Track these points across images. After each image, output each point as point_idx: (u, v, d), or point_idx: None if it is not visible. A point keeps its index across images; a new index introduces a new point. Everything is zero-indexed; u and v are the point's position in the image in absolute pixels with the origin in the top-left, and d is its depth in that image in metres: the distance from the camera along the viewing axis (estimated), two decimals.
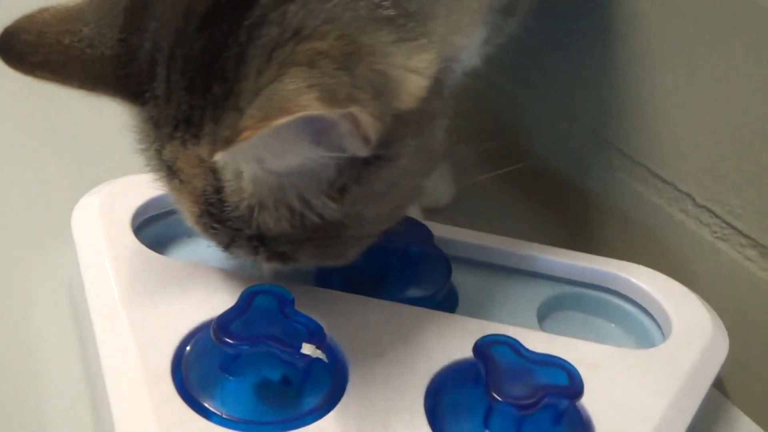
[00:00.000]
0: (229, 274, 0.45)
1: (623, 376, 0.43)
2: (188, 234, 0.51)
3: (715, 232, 0.51)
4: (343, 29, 0.33)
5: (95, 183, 0.50)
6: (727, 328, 0.48)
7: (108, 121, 0.67)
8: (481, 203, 0.66)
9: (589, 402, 0.40)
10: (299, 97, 0.29)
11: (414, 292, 0.47)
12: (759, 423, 0.48)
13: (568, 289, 0.51)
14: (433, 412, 0.39)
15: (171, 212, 0.50)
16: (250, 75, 0.33)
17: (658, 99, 0.53)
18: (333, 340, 0.41)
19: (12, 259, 0.51)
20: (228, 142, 0.31)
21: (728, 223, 0.50)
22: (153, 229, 0.50)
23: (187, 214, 0.40)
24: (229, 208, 0.37)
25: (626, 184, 0.57)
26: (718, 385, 0.50)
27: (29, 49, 0.36)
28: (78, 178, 0.53)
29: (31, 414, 0.41)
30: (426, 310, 0.45)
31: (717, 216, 0.51)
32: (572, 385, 0.38)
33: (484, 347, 0.39)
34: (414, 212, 0.52)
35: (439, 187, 0.60)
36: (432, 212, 0.56)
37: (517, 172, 0.66)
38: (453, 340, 0.42)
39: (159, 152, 0.38)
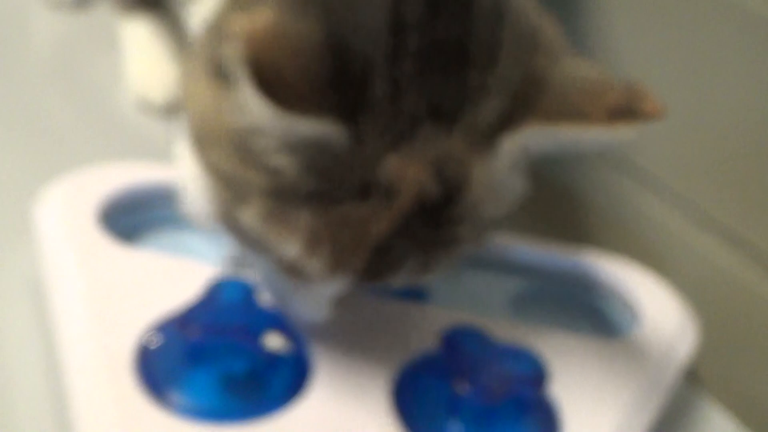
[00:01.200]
0: (195, 266, 0.44)
1: (593, 365, 0.43)
2: (159, 225, 0.51)
3: (692, 226, 0.51)
4: None
5: (58, 172, 0.49)
6: (704, 322, 0.48)
7: (73, 104, 0.66)
8: None
9: (556, 391, 0.40)
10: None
11: None
12: (736, 413, 0.48)
13: (538, 278, 0.51)
14: (400, 404, 0.39)
15: (141, 203, 0.50)
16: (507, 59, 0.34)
17: None
18: (298, 331, 0.41)
19: None
20: (625, 118, 0.33)
21: (706, 216, 0.50)
22: (123, 220, 0.49)
23: (354, 243, 0.34)
24: (452, 211, 0.34)
25: (602, 175, 0.57)
26: (695, 377, 0.50)
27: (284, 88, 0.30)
28: (39, 168, 0.52)
29: None
30: (394, 300, 0.44)
31: (694, 209, 0.51)
32: (537, 374, 0.38)
33: (450, 337, 0.39)
34: None
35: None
36: None
37: None
38: (421, 331, 0.42)
39: (363, 169, 0.33)
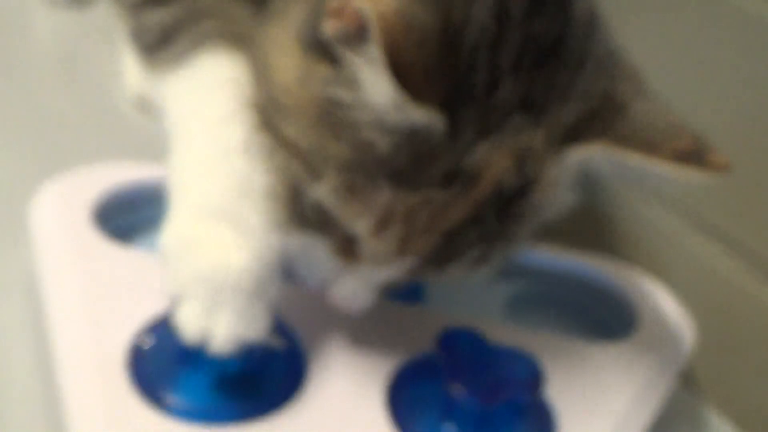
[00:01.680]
0: None
1: (589, 369, 0.43)
2: (149, 224, 0.51)
3: (690, 231, 0.51)
4: None
5: (53, 172, 0.49)
6: (701, 327, 0.48)
7: (67, 105, 0.66)
8: None
9: (553, 395, 0.40)
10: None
11: None
12: (731, 418, 0.48)
13: (535, 281, 0.51)
14: (394, 406, 0.39)
15: (135, 202, 0.50)
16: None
17: None
18: (293, 332, 0.40)
19: None
20: (691, 162, 0.35)
21: (699, 218, 0.50)
22: (118, 219, 0.49)
23: (428, 227, 0.34)
24: (523, 204, 0.35)
25: (603, 183, 0.56)
26: (691, 382, 0.50)
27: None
28: (35, 167, 0.51)
29: None
30: (389, 302, 0.44)
31: (692, 214, 0.51)
32: (532, 378, 0.37)
33: (446, 340, 0.39)
34: None
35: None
36: None
37: None
38: (416, 333, 0.42)
39: (454, 156, 0.33)
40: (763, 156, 0.46)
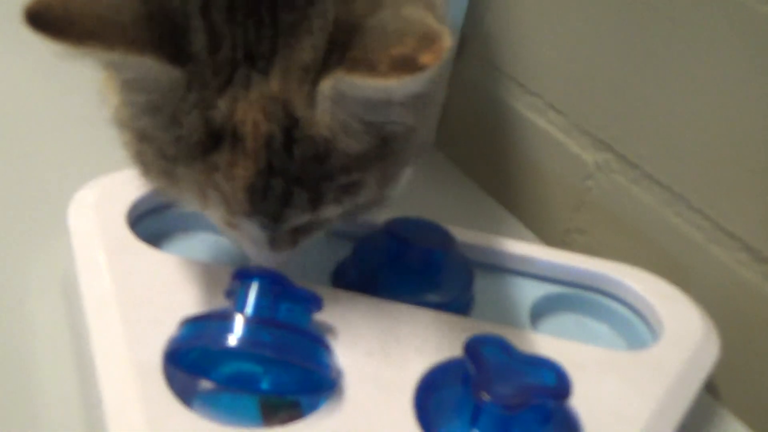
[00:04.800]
0: (220, 269, 0.45)
1: (612, 378, 0.43)
2: (182, 229, 0.52)
3: (709, 236, 0.51)
4: None
5: (91, 177, 0.51)
6: (720, 332, 0.48)
7: (104, 116, 0.68)
8: (474, 206, 0.66)
9: (577, 403, 0.40)
10: (440, 26, 0.32)
11: (433, 298, 0.47)
12: (752, 427, 0.48)
13: (560, 289, 0.51)
14: (421, 410, 0.39)
15: (166, 207, 0.51)
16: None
17: (655, 102, 0.53)
18: (325, 335, 0.41)
19: (7, 252, 0.51)
20: (406, 69, 0.32)
21: (722, 227, 0.50)
22: (148, 223, 0.50)
23: (231, 188, 0.37)
24: (301, 147, 0.36)
25: (622, 186, 0.57)
26: (711, 388, 0.50)
27: (66, 23, 0.33)
28: (74, 173, 0.53)
29: (23, 407, 0.42)
30: (417, 307, 0.45)
31: (711, 219, 0.51)
32: (560, 385, 0.38)
33: (473, 346, 0.39)
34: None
35: None
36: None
37: (512, 171, 0.66)
38: (443, 339, 0.42)
39: (202, 116, 0.35)
40: None
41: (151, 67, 0.34)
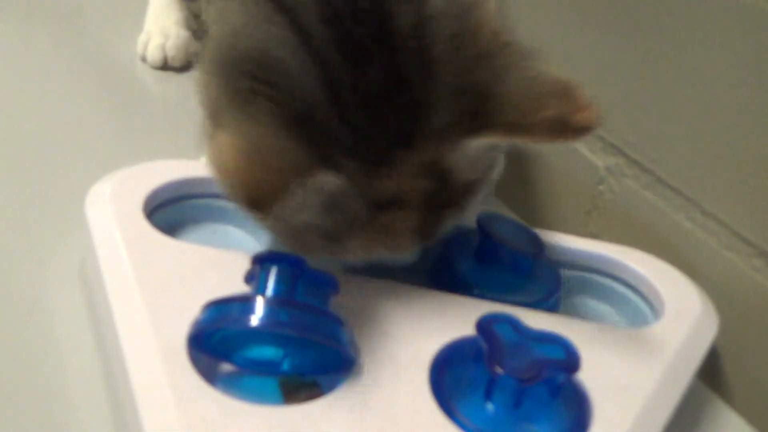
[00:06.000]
0: (236, 256, 0.46)
1: (617, 353, 0.45)
2: (196, 220, 0.53)
3: (722, 241, 0.51)
4: None
5: (108, 170, 0.52)
6: (732, 335, 0.49)
7: (121, 111, 0.69)
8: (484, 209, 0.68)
9: (584, 377, 0.42)
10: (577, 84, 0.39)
11: (523, 299, 0.49)
12: (754, 420, 0.49)
13: (566, 271, 0.53)
14: (436, 387, 0.41)
15: (180, 198, 0.52)
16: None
17: (667, 106, 0.53)
18: (342, 314, 0.42)
19: (27, 244, 0.52)
20: (560, 133, 0.37)
21: (735, 232, 0.50)
22: (163, 214, 0.51)
23: (399, 239, 0.43)
24: (451, 188, 0.42)
25: (634, 190, 0.57)
26: (720, 388, 0.51)
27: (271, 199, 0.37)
28: (90, 166, 0.54)
29: (45, 392, 0.43)
30: (428, 289, 0.47)
31: (724, 224, 0.51)
32: (569, 359, 0.40)
33: (485, 324, 0.41)
34: None
35: None
36: None
37: (523, 174, 0.67)
38: (456, 319, 0.44)
39: (365, 199, 0.40)
40: None
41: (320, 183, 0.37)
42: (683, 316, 0.49)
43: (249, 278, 0.42)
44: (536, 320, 0.42)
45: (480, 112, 0.39)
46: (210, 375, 0.39)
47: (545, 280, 0.51)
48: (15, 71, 0.74)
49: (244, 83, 0.39)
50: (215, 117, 0.40)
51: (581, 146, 0.61)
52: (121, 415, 0.40)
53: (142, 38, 0.78)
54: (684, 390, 0.44)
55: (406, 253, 0.45)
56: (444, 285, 0.48)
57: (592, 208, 0.61)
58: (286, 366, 0.41)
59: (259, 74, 0.39)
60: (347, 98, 0.39)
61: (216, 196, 0.53)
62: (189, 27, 0.79)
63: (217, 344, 0.40)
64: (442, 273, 0.51)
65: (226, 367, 0.41)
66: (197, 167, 0.54)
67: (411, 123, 0.40)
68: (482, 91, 0.39)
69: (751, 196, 0.49)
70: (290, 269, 0.41)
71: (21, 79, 0.73)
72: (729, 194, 0.51)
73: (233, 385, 0.40)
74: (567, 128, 0.37)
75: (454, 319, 0.44)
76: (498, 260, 0.51)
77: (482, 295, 0.47)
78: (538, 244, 0.52)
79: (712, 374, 0.51)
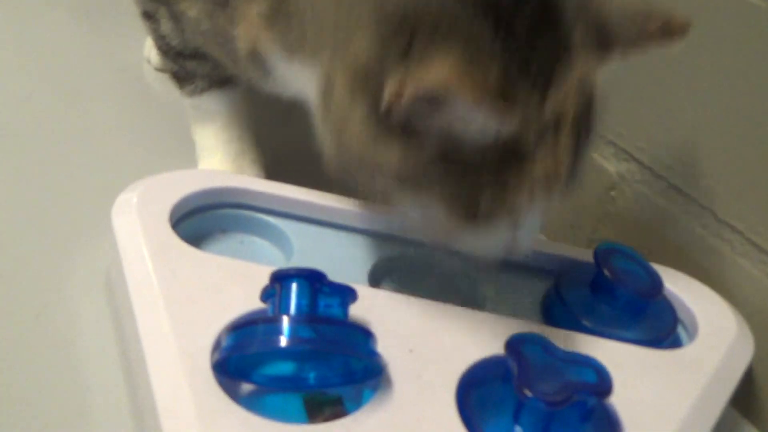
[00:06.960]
0: (262, 269, 0.46)
1: (650, 376, 0.44)
2: (222, 230, 0.53)
3: (736, 248, 0.51)
4: None
5: (134, 179, 0.52)
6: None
7: (146, 120, 0.70)
8: None
9: (616, 400, 0.41)
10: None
11: (638, 336, 0.48)
12: None
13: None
14: (464, 407, 0.40)
15: (207, 207, 0.52)
16: None
17: (680, 112, 0.53)
18: (369, 329, 0.42)
19: (53, 253, 0.53)
20: (672, 35, 0.43)
21: (749, 240, 0.50)
22: (190, 223, 0.51)
23: (552, 177, 0.41)
24: (592, 114, 0.42)
25: (646, 197, 0.57)
26: (740, 404, 0.50)
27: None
28: (117, 175, 0.54)
29: (70, 400, 0.43)
30: (455, 306, 0.46)
31: (738, 232, 0.51)
32: (601, 383, 0.38)
33: (515, 344, 0.40)
34: None
35: None
36: None
37: None
38: (484, 337, 0.43)
39: (535, 121, 0.40)
40: None
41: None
42: (718, 337, 0.47)
43: (266, 296, 0.42)
44: (566, 341, 0.42)
45: (604, 30, 0.42)
46: (234, 392, 0.39)
47: (660, 318, 0.50)
48: (19, 74, 0.74)
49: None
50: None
51: (594, 152, 0.61)
52: (144, 429, 0.40)
53: (148, 41, 0.78)
54: (719, 415, 0.43)
55: (557, 198, 0.43)
56: (555, 318, 0.47)
57: (604, 214, 0.61)
58: (311, 380, 0.41)
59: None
60: (512, 25, 0.40)
61: (242, 206, 0.52)
62: None
63: (237, 365, 0.40)
64: (554, 305, 0.49)
65: (248, 387, 0.40)
66: (224, 176, 0.54)
67: (563, 42, 0.41)
68: (598, 12, 0.43)
69: (765, 202, 0.49)
70: (310, 284, 0.40)
71: (24, 80, 0.73)
72: (743, 201, 0.50)
73: (258, 402, 0.39)
74: (674, 31, 0.42)
75: (483, 338, 0.43)
76: (613, 297, 0.49)
77: (593, 330, 0.47)
78: (656, 284, 0.50)
79: (745, 399, 0.50)
